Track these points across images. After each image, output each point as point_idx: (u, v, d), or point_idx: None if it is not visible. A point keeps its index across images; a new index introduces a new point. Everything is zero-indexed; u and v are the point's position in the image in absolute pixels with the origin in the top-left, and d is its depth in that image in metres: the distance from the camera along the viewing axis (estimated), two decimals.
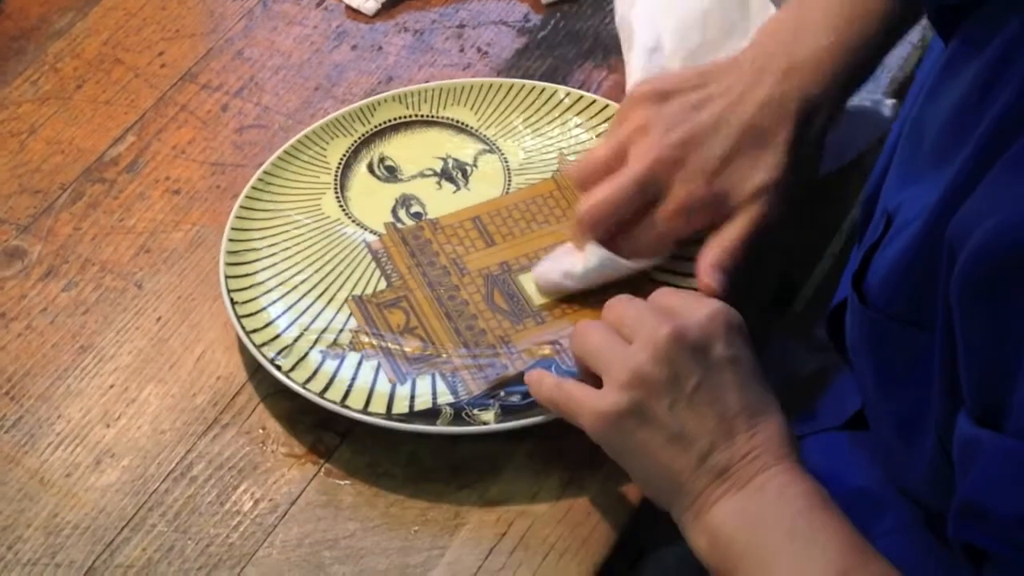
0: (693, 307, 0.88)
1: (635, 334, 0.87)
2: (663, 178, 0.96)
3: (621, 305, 0.90)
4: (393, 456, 0.95)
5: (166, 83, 1.17)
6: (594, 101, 1.11)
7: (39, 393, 0.98)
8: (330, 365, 0.97)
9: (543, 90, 1.12)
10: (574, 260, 0.99)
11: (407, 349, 0.98)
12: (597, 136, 1.10)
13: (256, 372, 0.98)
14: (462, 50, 1.18)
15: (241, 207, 1.04)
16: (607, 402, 0.86)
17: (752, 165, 0.95)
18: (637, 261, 0.98)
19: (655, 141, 0.96)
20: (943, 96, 0.78)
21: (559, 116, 1.12)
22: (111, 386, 0.98)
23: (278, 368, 0.96)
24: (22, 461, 0.95)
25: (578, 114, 1.11)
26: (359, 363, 0.97)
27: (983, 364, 0.71)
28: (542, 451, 0.94)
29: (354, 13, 1.21)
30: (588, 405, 0.87)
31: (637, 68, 1.08)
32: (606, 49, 1.17)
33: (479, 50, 1.18)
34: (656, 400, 0.85)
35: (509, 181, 1.09)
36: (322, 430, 0.96)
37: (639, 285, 0.97)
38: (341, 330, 0.99)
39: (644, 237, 0.97)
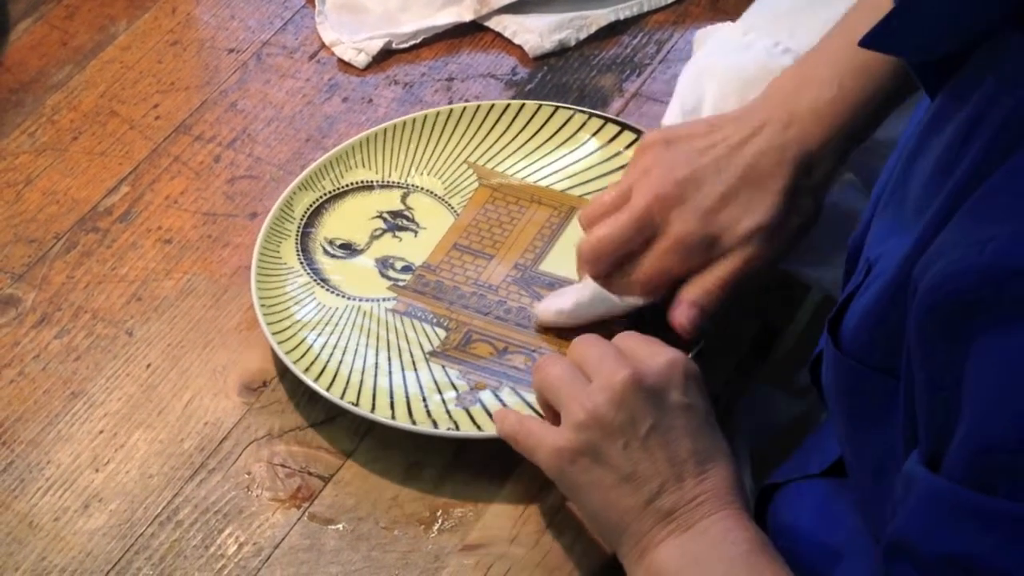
0: (654, 353, 0.90)
1: (595, 374, 0.89)
2: (661, 216, 0.98)
3: (586, 344, 0.92)
4: (376, 500, 0.96)
5: (160, 135, 1.19)
6: (465, 109, 1.15)
7: (30, 438, 1.00)
8: (478, 408, 0.98)
9: (414, 120, 1.15)
10: (567, 296, 1.01)
11: (520, 366, 1.01)
12: (490, 133, 1.14)
13: (243, 419, 1.00)
14: (451, 102, 1.20)
15: (269, 325, 1.02)
16: (563, 439, 0.88)
17: (747, 207, 0.97)
18: (627, 300, 0.99)
19: (656, 180, 0.98)
20: (927, 152, 0.79)
21: (440, 135, 1.15)
22: (100, 431, 1.00)
23: (450, 428, 0.97)
24: (11, 505, 0.97)
25: (455, 127, 1.15)
26: (496, 396, 0.99)
27: (932, 408, 0.73)
28: (522, 494, 0.96)
29: (346, 66, 1.24)
30: (546, 442, 0.89)
31: (668, 123, 1.09)
32: (592, 101, 1.19)
33: (467, 102, 1.20)
34: (610, 441, 0.87)
35: (450, 206, 1.11)
36: (306, 475, 0.97)
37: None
38: (450, 382, 1.00)
39: (637, 274, 0.99)
